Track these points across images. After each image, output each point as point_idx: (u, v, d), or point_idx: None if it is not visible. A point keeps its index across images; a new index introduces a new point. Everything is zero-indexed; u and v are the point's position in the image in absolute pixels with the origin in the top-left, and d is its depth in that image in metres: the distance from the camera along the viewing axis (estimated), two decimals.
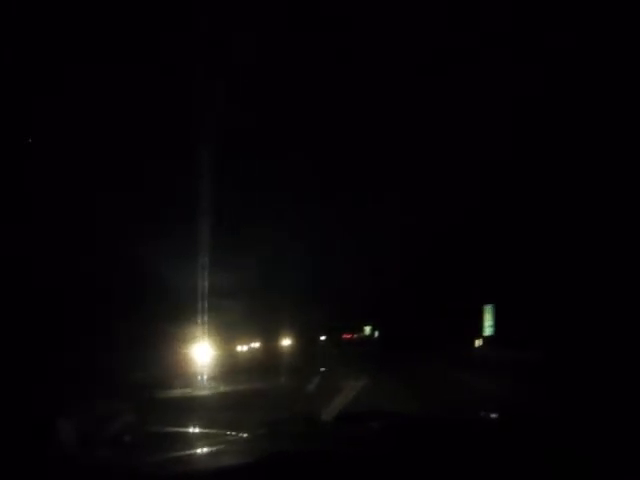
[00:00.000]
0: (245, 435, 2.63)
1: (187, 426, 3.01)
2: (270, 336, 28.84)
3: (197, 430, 2.96)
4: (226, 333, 18.92)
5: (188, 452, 2.34)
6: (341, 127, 21.46)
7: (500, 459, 1.99)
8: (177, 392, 9.66)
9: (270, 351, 25.42)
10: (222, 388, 10.72)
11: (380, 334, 50.97)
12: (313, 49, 15.11)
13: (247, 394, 9.67)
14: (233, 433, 2.73)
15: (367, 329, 57.50)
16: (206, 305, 13.49)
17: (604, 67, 14.05)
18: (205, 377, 12.16)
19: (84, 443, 2.20)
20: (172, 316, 13.27)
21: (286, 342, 32.06)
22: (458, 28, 14.21)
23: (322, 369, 14.84)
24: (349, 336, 54.23)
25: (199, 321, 13.40)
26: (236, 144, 17.82)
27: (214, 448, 2.46)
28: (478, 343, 25.28)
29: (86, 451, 2.18)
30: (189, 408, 8.04)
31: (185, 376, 11.66)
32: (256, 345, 26.77)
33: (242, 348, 23.69)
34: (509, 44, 14.50)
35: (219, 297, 16.46)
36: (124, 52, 11.97)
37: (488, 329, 25.27)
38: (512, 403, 6.75)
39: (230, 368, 14.11)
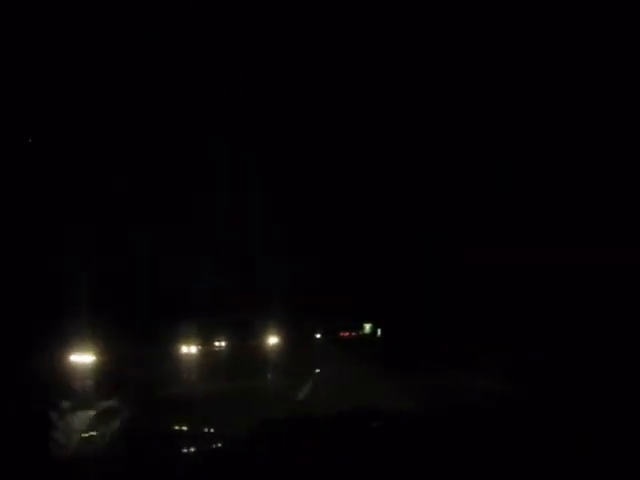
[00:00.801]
0: (243, 435, 2.62)
1: (185, 425, 3.00)
2: (245, 334, 24.40)
3: (195, 429, 2.96)
4: (161, 332, 15.23)
5: (185, 452, 2.34)
6: (343, 126, 21.49)
7: (500, 459, 1.98)
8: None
9: (242, 352, 20.29)
10: None
11: (384, 333, 48.43)
12: (312, 48, 15.12)
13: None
14: (230, 433, 2.73)
15: (367, 327, 53.89)
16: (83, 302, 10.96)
17: (607, 67, 14.03)
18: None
19: (81, 442, 2.20)
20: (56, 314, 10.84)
21: (272, 340, 27.80)
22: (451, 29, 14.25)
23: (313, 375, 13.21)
24: (347, 334, 51.55)
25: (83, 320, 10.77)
26: (222, 139, 17.91)
27: (211, 448, 2.45)
28: None
29: (83, 450, 2.17)
30: (187, 407, 7.71)
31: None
32: (221, 344, 21.81)
33: (188, 349, 17.41)
34: (506, 45, 14.52)
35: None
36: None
37: None
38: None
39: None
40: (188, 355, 16.91)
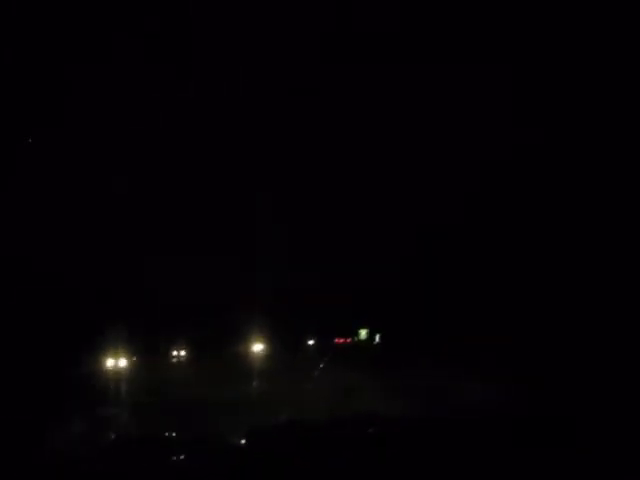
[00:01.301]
0: (240, 440, 2.62)
1: (180, 431, 3.00)
2: (221, 341, 20.15)
3: (190, 434, 2.96)
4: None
5: (183, 456, 2.34)
6: (343, 126, 21.44)
7: (500, 459, 1.98)
8: None
9: (212, 364, 16.58)
10: None
11: (383, 336, 47.71)
12: (312, 48, 15.13)
13: None
14: (228, 438, 2.72)
15: (363, 332, 52.97)
16: None
17: (606, 66, 14.02)
18: None
19: (78, 446, 2.19)
20: None
21: (257, 348, 23.73)
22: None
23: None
24: (342, 340, 50.05)
25: None
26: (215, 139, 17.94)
27: (211, 452, 2.45)
28: None
29: (80, 454, 2.17)
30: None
31: None
32: (180, 355, 17.99)
33: (116, 363, 13.83)
34: (506, 46, 14.51)
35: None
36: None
37: None
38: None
39: None
40: (114, 371, 13.48)
